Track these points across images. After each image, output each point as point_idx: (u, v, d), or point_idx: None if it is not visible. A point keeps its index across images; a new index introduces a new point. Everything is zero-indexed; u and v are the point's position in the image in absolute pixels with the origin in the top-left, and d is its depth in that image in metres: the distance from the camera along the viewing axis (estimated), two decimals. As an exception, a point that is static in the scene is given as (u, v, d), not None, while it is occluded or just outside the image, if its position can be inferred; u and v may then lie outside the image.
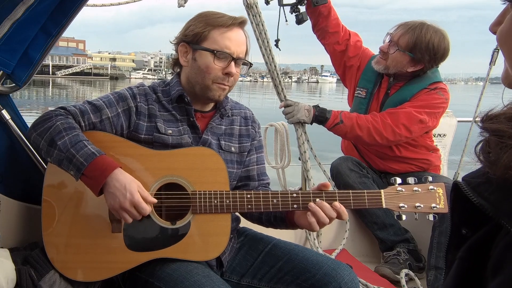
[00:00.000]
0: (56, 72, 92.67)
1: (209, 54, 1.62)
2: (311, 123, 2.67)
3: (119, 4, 2.66)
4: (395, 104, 2.65)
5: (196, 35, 1.62)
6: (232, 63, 1.63)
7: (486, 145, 0.65)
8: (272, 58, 2.50)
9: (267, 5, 2.52)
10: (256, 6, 2.30)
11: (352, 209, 2.79)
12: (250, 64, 1.73)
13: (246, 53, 1.71)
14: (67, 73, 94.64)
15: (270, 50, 2.46)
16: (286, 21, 2.53)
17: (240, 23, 1.66)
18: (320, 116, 2.62)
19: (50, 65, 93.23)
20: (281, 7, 2.51)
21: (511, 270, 0.59)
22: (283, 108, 2.68)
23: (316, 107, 2.66)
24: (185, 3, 2.15)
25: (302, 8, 2.55)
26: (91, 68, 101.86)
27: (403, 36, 2.58)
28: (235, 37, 1.64)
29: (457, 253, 0.71)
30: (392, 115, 2.58)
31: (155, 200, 1.51)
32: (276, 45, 2.59)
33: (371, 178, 2.73)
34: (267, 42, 2.43)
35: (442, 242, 2.42)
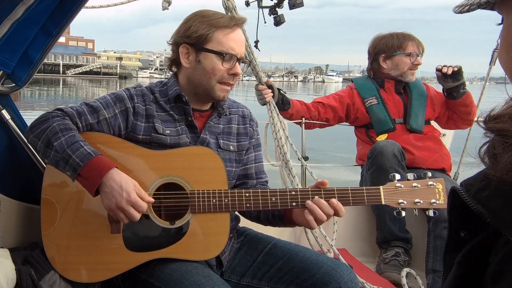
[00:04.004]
0: (66, 71, 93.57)
1: (215, 56, 1.62)
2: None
3: (115, 4, 2.68)
4: (422, 95, 2.99)
5: (200, 37, 1.62)
6: (237, 64, 1.66)
7: (491, 146, 0.64)
8: (256, 62, 2.52)
9: (247, 6, 2.67)
10: (234, 9, 2.30)
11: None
12: (250, 62, 1.75)
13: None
14: (77, 72, 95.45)
15: (252, 54, 2.47)
16: (265, 22, 2.68)
17: (241, 23, 1.67)
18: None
19: (61, 64, 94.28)
20: (261, 9, 2.67)
21: (511, 280, 0.58)
22: None
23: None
24: (169, 5, 2.23)
25: (280, 11, 2.71)
26: (100, 68, 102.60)
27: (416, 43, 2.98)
28: (238, 37, 1.66)
29: (456, 255, 0.70)
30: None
31: (152, 200, 1.51)
32: (256, 46, 2.68)
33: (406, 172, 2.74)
34: (248, 46, 2.44)
35: (438, 246, 2.46)
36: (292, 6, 2.64)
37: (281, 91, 2.92)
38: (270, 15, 2.67)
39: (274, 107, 2.73)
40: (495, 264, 0.61)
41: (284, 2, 2.63)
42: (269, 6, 2.66)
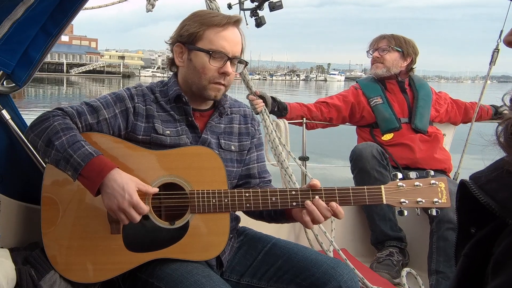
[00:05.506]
0: (69, 70, 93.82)
1: (204, 54, 1.61)
2: None
3: (107, 5, 2.70)
4: (429, 96, 3.03)
5: (191, 35, 1.62)
6: (228, 63, 1.63)
7: (511, 125, 0.61)
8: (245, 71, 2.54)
9: (229, 9, 2.72)
10: (218, 10, 2.32)
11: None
12: (246, 63, 1.73)
13: (242, 51, 1.70)
14: (80, 71, 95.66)
15: None
16: (247, 24, 2.72)
17: (235, 22, 1.65)
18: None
19: (64, 63, 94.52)
20: (243, 11, 2.75)
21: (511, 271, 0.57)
22: None
23: None
24: (152, 8, 2.25)
25: (261, 13, 2.78)
26: (103, 66, 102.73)
27: (383, 41, 3.01)
28: (230, 36, 1.63)
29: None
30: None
31: (157, 189, 1.52)
32: None
33: (389, 171, 2.75)
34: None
35: (441, 247, 2.46)
36: (272, 8, 2.72)
37: (276, 99, 2.94)
38: (251, 17, 2.76)
39: (265, 110, 2.76)
40: (497, 254, 0.60)
41: (265, 4, 2.70)
42: (250, 8, 2.74)
